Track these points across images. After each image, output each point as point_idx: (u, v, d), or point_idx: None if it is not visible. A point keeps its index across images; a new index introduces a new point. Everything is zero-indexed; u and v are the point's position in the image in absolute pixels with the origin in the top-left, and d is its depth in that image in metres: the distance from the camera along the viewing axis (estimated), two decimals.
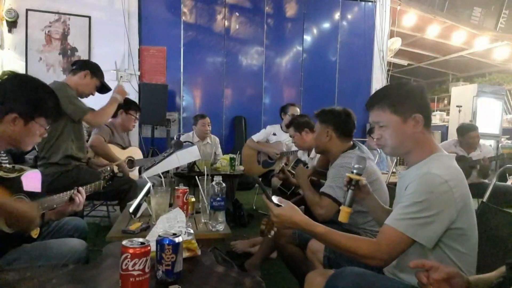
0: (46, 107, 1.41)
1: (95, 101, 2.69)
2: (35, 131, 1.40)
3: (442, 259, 1.10)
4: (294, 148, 3.76)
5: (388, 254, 1.08)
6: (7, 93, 1.33)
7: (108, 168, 1.84)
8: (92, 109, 2.51)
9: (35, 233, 1.38)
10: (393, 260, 1.10)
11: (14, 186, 1.31)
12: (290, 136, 3.04)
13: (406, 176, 1.22)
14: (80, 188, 1.55)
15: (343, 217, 1.28)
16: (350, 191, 1.32)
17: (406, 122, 1.18)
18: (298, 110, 4.09)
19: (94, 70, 2.56)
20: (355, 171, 1.33)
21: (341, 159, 1.90)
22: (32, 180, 1.39)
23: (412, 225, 1.06)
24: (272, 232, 1.31)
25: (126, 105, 3.13)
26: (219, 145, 4.24)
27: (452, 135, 6.93)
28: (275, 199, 1.23)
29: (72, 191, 1.51)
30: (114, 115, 3.13)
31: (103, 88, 2.66)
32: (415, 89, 1.23)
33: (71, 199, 1.49)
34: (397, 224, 1.08)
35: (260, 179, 4.14)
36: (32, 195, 1.37)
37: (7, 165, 1.36)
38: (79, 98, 2.52)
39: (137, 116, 3.23)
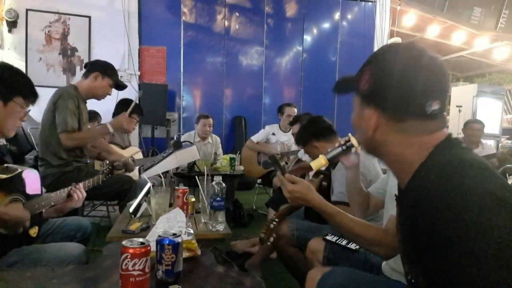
0: (21, 86, 1.43)
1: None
2: (16, 113, 1.41)
3: None
4: (294, 148, 3.76)
5: (395, 242, 1.08)
6: None
7: (107, 162, 1.82)
8: (70, 130, 2.35)
9: (33, 232, 1.37)
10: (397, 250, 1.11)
11: (9, 186, 1.30)
12: (293, 133, 3.01)
13: None
14: (79, 184, 1.54)
15: (315, 164, 1.29)
16: (340, 148, 1.32)
17: None
18: (295, 110, 4.07)
19: (104, 69, 2.50)
20: None
21: None
22: (29, 179, 1.39)
23: None
24: (272, 239, 1.32)
25: (129, 107, 3.12)
26: (220, 145, 4.24)
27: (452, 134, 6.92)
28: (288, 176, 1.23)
29: (70, 187, 1.51)
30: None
31: (119, 86, 2.61)
32: None
33: (69, 196, 1.49)
34: None
35: (261, 180, 4.15)
36: (27, 195, 1.37)
37: (1, 166, 1.35)
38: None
39: (139, 119, 3.22)
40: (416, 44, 0.78)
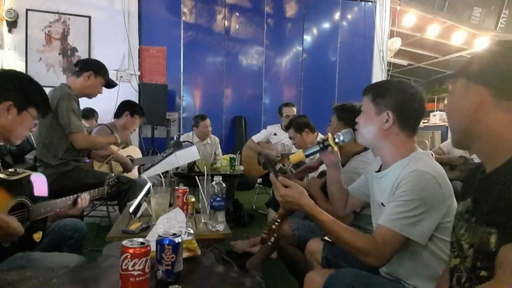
0: (37, 98, 1.47)
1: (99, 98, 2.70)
2: (27, 123, 1.44)
3: (435, 252, 1.13)
4: (294, 150, 3.75)
5: (383, 252, 1.09)
6: (1, 84, 1.38)
7: (113, 175, 1.84)
8: (83, 131, 2.44)
9: (37, 237, 1.38)
10: (387, 260, 1.12)
11: (16, 188, 1.31)
12: (290, 137, 3.01)
13: (388, 176, 1.23)
14: (86, 194, 1.55)
15: (293, 157, 1.41)
16: (317, 146, 1.44)
17: (379, 115, 1.24)
18: (294, 109, 3.99)
19: (97, 68, 2.53)
20: (336, 138, 1.42)
21: (354, 162, 1.83)
22: (37, 184, 1.39)
23: (406, 224, 1.08)
24: (272, 239, 1.33)
25: (133, 108, 3.13)
26: (219, 145, 4.24)
27: None
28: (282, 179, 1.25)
29: (77, 195, 1.51)
30: (118, 116, 3.14)
31: (109, 85, 2.65)
32: (405, 91, 1.23)
33: (74, 204, 1.50)
34: (391, 224, 1.10)
35: (261, 179, 4.14)
36: (34, 198, 1.37)
37: (10, 169, 1.36)
38: (85, 105, 2.51)
39: (140, 121, 3.23)
40: None
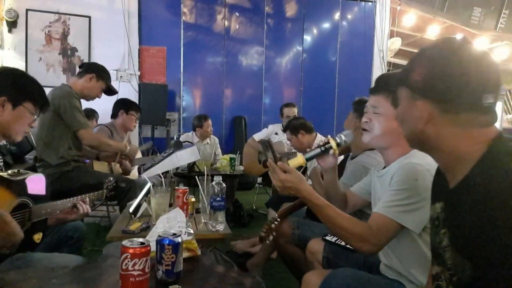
0: (33, 92, 1.45)
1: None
2: (24, 118, 1.42)
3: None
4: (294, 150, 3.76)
5: (378, 239, 1.11)
6: None
7: (111, 178, 1.84)
8: (88, 127, 2.49)
9: (37, 238, 1.38)
10: (382, 246, 1.13)
11: (19, 189, 1.31)
12: (288, 139, 3.04)
13: (388, 173, 1.25)
14: (86, 198, 1.56)
15: (293, 162, 1.31)
16: (318, 150, 1.35)
17: None
18: (294, 110, 3.98)
19: (100, 73, 2.55)
20: (338, 139, 1.36)
21: (365, 157, 1.81)
22: (36, 184, 1.39)
23: (400, 211, 1.10)
24: (271, 237, 1.33)
25: (127, 106, 3.14)
26: (219, 146, 4.24)
27: None
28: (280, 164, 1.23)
29: (75, 198, 1.52)
30: (115, 116, 3.14)
31: (110, 91, 2.67)
32: None
33: (74, 207, 1.50)
34: (386, 211, 1.11)
35: (261, 179, 4.14)
36: (35, 199, 1.37)
37: (14, 170, 1.36)
38: (83, 106, 2.52)
39: (138, 116, 3.24)
40: (469, 40, 0.78)
